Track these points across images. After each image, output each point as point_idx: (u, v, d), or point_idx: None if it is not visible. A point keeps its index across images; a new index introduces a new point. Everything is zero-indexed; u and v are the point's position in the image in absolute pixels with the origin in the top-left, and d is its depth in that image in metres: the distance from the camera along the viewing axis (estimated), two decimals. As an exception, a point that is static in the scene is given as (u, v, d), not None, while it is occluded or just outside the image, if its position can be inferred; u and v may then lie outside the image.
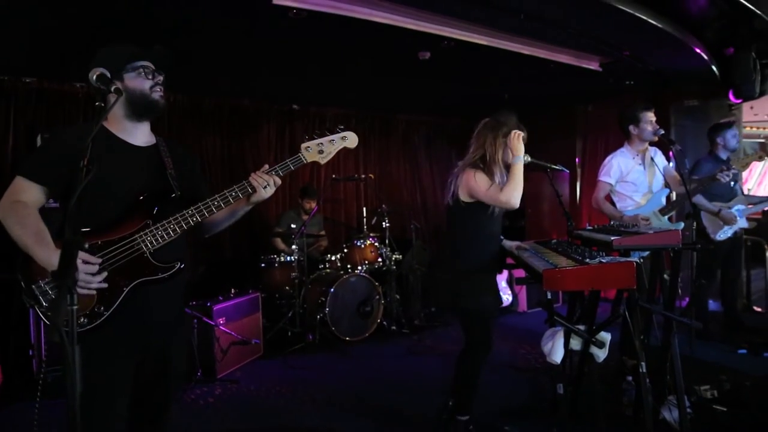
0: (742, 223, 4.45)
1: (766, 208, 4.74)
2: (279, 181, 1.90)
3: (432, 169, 7.98)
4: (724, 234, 4.39)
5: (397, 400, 3.63)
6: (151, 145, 1.95)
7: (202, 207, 1.82)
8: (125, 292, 1.72)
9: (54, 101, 5.06)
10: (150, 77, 1.85)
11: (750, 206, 4.51)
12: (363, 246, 5.39)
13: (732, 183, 4.55)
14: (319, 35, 4.02)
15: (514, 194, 2.59)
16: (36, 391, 3.50)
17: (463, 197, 2.71)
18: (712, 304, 5.03)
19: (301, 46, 4.32)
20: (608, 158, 3.90)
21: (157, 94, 1.87)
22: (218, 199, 1.84)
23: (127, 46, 1.87)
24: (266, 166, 1.91)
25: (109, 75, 1.64)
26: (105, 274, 1.64)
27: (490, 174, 2.68)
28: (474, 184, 2.65)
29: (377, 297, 5.14)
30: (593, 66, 5.10)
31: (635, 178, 3.79)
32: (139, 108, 1.85)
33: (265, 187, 1.87)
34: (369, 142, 7.40)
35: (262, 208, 6.37)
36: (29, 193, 1.73)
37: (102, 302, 1.69)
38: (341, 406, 3.58)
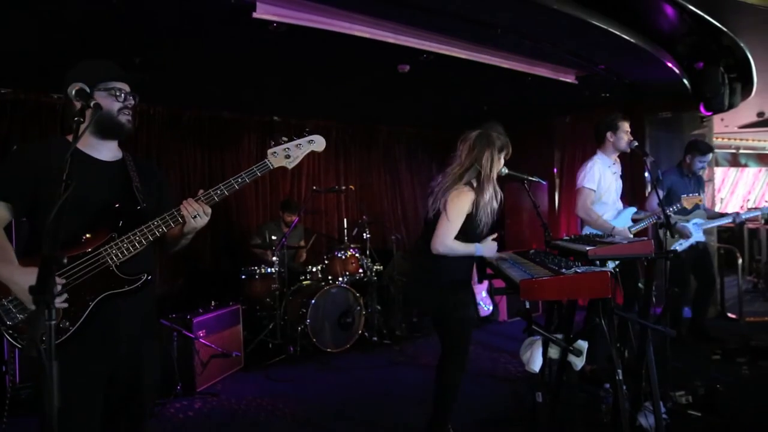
0: (698, 237, 4.50)
1: (725, 224, 4.81)
2: (209, 211, 1.85)
3: (413, 180, 8.04)
4: (679, 246, 4.43)
5: (379, 411, 3.63)
6: (118, 159, 1.94)
7: (168, 218, 1.81)
8: (91, 307, 1.71)
9: (30, 112, 4.99)
10: (120, 99, 1.84)
11: (709, 221, 4.60)
12: (344, 257, 5.39)
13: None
14: (299, 48, 4.05)
15: (446, 248, 2.63)
16: (6, 407, 3.46)
17: (443, 208, 2.72)
18: (687, 312, 5.13)
19: (282, 59, 4.35)
20: (588, 164, 3.82)
21: (125, 117, 1.85)
22: (180, 207, 1.83)
23: (104, 63, 1.87)
24: (201, 191, 1.87)
25: (87, 90, 1.63)
26: (66, 295, 1.63)
27: (480, 190, 2.68)
28: (450, 206, 2.65)
29: (358, 308, 5.14)
30: (570, 79, 5.22)
31: (608, 185, 3.83)
32: (104, 127, 1.83)
33: (195, 217, 1.82)
34: (350, 153, 7.44)
35: (242, 220, 6.34)
36: None
37: (67, 317, 1.67)
38: (323, 418, 3.56)
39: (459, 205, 2.66)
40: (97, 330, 1.73)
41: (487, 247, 2.73)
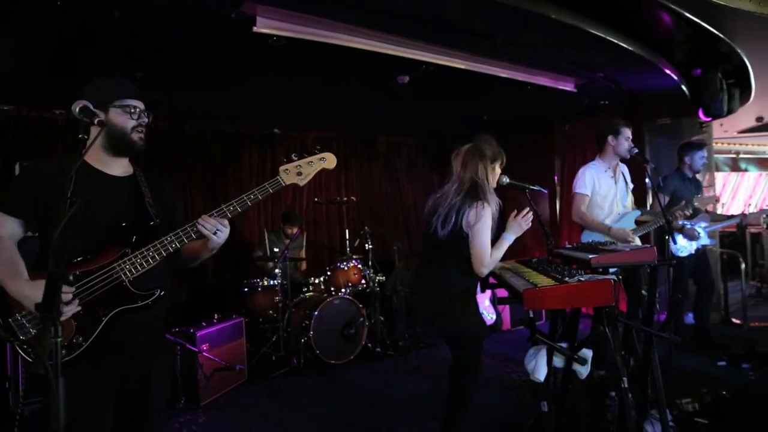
0: (704, 240, 4.51)
1: (729, 227, 4.82)
2: (227, 223, 1.85)
3: (413, 190, 8.04)
4: (686, 250, 4.45)
5: (384, 422, 3.61)
6: (129, 175, 1.95)
7: (181, 233, 1.82)
8: (104, 322, 1.71)
9: (32, 129, 5.02)
10: (135, 117, 1.86)
11: (713, 224, 4.59)
12: (346, 268, 5.39)
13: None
14: (299, 61, 4.08)
15: (488, 268, 2.65)
16: (11, 424, 3.45)
17: (467, 229, 2.68)
18: (689, 318, 5.11)
19: (282, 72, 4.38)
20: (580, 171, 3.95)
21: (137, 135, 1.87)
22: (197, 224, 1.84)
23: (120, 80, 1.89)
24: (215, 210, 1.86)
25: (91, 107, 1.65)
26: (77, 302, 1.63)
27: (488, 203, 2.68)
28: (477, 225, 2.63)
29: (361, 319, 5.13)
30: (569, 87, 5.24)
31: (606, 191, 3.87)
32: (116, 144, 1.85)
33: (215, 232, 1.82)
34: (350, 164, 7.46)
35: (244, 232, 6.36)
36: (5, 226, 1.74)
37: (80, 332, 1.68)
38: (328, 430, 3.54)
39: (487, 222, 2.65)
40: (110, 345, 1.73)
41: (514, 227, 2.73)
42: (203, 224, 1.81)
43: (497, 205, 2.75)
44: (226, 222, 1.86)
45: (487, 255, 2.64)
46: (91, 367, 1.70)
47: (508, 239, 2.72)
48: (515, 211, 2.75)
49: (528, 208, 2.75)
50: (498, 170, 2.81)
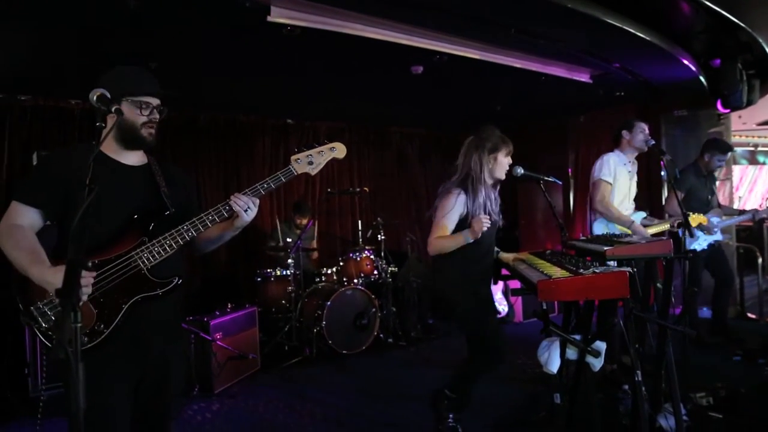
0: (717, 236, 4.43)
1: (744, 222, 4.74)
2: (258, 202, 1.89)
3: (426, 181, 8.03)
4: (698, 245, 4.36)
5: (396, 412, 3.63)
6: (144, 164, 1.96)
7: (197, 222, 1.83)
8: (124, 310, 1.73)
9: (49, 118, 5.08)
10: (146, 114, 1.84)
11: (725, 218, 4.51)
12: (359, 259, 5.40)
13: (709, 195, 4.56)
14: (313, 51, 4.07)
15: (434, 247, 2.72)
16: (31, 409, 3.52)
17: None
18: (703, 312, 5.05)
19: (296, 62, 4.37)
20: (604, 157, 3.84)
21: (147, 131, 1.86)
22: (212, 213, 1.85)
23: (137, 73, 1.88)
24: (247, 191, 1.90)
25: (109, 95, 1.65)
26: (91, 286, 1.63)
27: (474, 193, 2.73)
28: (438, 209, 2.76)
29: (374, 310, 5.15)
30: (584, 78, 5.18)
31: (622, 182, 3.81)
32: (126, 138, 1.85)
33: (246, 210, 1.86)
34: (363, 155, 7.45)
35: (257, 222, 6.38)
36: (25, 216, 1.76)
37: (102, 320, 1.70)
38: (339, 419, 3.57)
39: (445, 206, 2.74)
40: (131, 332, 1.76)
41: (472, 229, 2.64)
42: (236, 201, 1.85)
43: (490, 197, 2.79)
44: (257, 201, 1.89)
45: (434, 236, 2.71)
46: (112, 354, 1.72)
47: (466, 238, 2.66)
48: (483, 215, 2.69)
49: (486, 216, 2.67)
50: (502, 159, 2.81)
